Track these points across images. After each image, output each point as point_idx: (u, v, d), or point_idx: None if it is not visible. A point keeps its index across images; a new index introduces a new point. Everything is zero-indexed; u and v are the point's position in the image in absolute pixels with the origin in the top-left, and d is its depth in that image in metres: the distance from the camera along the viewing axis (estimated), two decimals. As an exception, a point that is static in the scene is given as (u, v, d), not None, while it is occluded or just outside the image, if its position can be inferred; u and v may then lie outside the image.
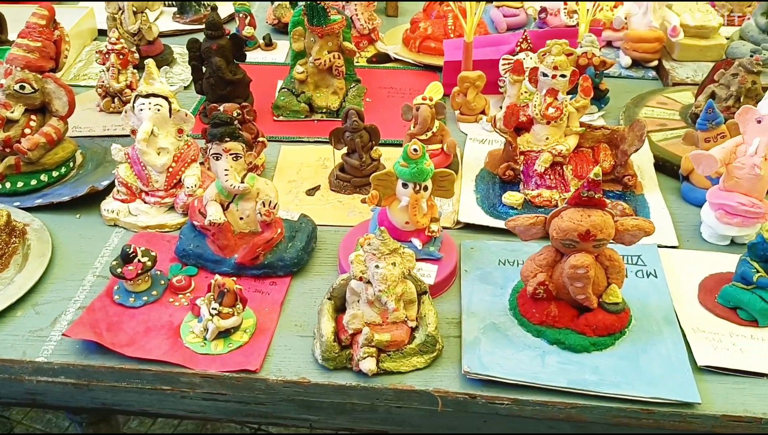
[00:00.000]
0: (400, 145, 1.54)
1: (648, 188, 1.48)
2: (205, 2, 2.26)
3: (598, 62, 1.70)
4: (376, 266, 1.05)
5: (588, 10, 1.74)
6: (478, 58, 1.76)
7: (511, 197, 1.42)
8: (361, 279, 1.07)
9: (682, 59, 1.90)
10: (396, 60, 1.98)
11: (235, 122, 1.38)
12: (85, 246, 1.32)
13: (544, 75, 1.44)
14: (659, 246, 1.32)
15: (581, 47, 1.70)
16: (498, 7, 2.16)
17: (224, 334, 1.12)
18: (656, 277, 1.24)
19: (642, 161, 1.54)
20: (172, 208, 1.38)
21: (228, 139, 1.22)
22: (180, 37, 2.13)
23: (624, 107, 1.73)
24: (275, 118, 1.72)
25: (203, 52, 1.64)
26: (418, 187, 1.20)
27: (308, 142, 1.64)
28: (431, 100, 1.45)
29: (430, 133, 1.46)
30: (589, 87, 1.47)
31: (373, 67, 1.96)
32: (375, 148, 1.46)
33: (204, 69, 1.66)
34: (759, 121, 1.23)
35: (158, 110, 1.34)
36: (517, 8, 2.16)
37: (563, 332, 1.12)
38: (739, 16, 2.08)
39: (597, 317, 1.11)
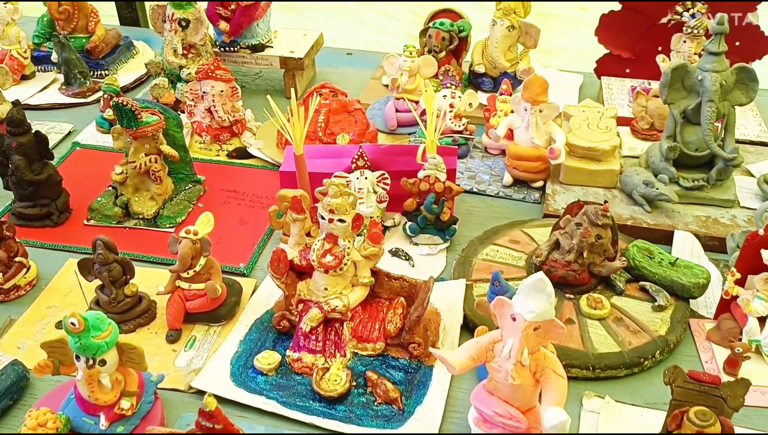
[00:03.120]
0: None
1: (445, 357, 1.24)
2: (106, 71, 2.16)
3: (442, 189, 1.47)
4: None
5: (437, 118, 1.51)
6: (317, 171, 1.56)
7: (264, 360, 1.21)
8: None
9: (568, 183, 1.64)
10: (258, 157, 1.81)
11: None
12: None
13: (322, 217, 1.23)
14: (414, 440, 1.09)
15: (424, 169, 1.48)
16: (398, 98, 1.94)
17: None
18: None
19: (451, 321, 1.30)
20: None
21: None
22: (62, 111, 2.03)
23: (468, 243, 1.48)
24: (86, 222, 1.58)
25: (5, 148, 1.52)
26: (91, 362, 1.02)
27: (101, 256, 1.49)
28: (196, 234, 1.27)
29: (192, 272, 1.28)
30: (378, 234, 1.25)
31: (229, 163, 1.79)
32: (131, 282, 1.29)
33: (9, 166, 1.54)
34: (513, 319, 0.98)
35: None
36: (417, 102, 1.94)
37: None
38: (659, 131, 1.79)
39: None
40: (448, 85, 1.79)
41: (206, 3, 2.00)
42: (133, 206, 1.57)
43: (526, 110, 1.63)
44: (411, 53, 1.89)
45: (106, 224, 1.57)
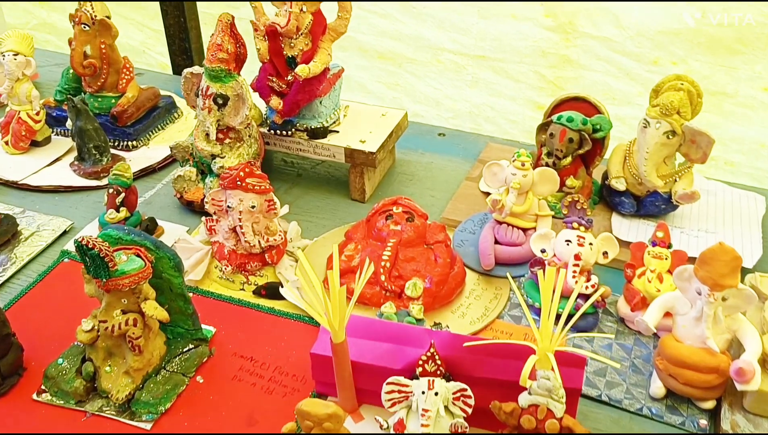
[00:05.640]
0: None
1: None
2: (134, 141, 1.73)
3: (556, 430, 0.91)
4: None
5: (556, 295, 0.95)
6: (363, 361, 1.04)
7: None
8: None
9: (759, 414, 1.04)
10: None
11: None
12: None
13: None
14: None
15: (530, 394, 0.93)
16: (500, 222, 1.39)
17: None
18: None
19: None
20: None
21: None
22: (66, 196, 1.60)
23: None
24: (35, 396, 1.11)
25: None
26: None
27: (37, 467, 1.02)
28: None
29: None
30: None
31: (254, 306, 1.29)
32: None
33: (-61, 309, 1.10)
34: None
35: None
36: (528, 229, 1.38)
37: None
38: None
39: None
40: (574, 225, 1.22)
41: (250, 71, 1.52)
42: (101, 380, 1.10)
43: (699, 294, 1.04)
44: (524, 164, 1.34)
45: (61, 404, 1.10)
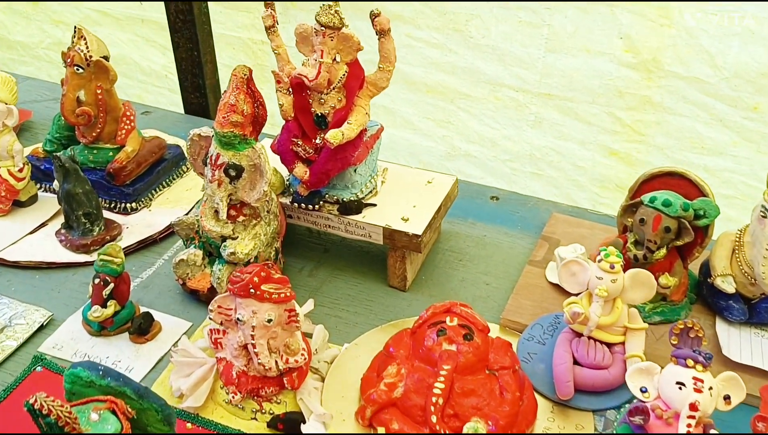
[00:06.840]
0: None
1: None
2: (133, 202, 1.47)
3: None
4: None
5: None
6: None
7: None
8: None
9: None
10: (320, 436, 1.02)
11: None
12: None
13: None
14: None
15: None
16: (578, 334, 1.10)
17: None
18: None
19: None
20: None
21: None
22: (48, 274, 1.34)
23: None
24: None
25: None
26: None
27: None
28: None
29: None
30: None
31: (268, 447, 1.02)
32: None
33: None
34: None
35: None
36: (614, 344, 1.09)
37: None
38: None
39: None
40: (689, 362, 0.93)
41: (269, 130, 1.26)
42: None
43: None
44: (613, 267, 1.05)
45: None
